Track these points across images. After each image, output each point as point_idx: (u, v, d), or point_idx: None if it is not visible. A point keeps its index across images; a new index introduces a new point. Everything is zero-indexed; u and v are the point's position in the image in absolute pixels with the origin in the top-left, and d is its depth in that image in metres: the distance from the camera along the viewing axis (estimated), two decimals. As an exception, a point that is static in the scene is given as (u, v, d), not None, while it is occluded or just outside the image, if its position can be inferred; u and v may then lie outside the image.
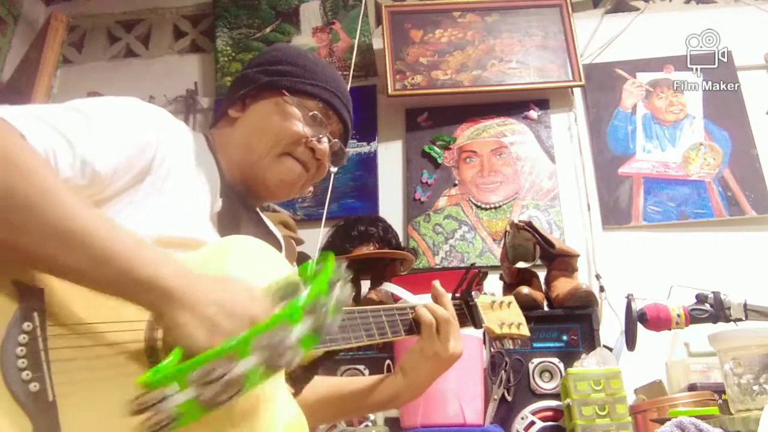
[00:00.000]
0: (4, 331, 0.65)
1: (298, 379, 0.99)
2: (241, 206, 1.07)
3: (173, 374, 0.66)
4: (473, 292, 1.21)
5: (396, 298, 1.84)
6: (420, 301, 1.66)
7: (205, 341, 0.70)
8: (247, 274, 0.90)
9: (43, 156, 0.73)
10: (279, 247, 1.12)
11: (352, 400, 1.15)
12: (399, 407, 1.65)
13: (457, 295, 1.20)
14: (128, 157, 0.85)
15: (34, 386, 0.64)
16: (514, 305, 1.28)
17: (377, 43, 2.62)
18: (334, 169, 2.40)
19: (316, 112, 1.08)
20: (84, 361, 0.69)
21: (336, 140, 1.13)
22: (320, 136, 1.09)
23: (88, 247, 0.67)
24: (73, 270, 0.68)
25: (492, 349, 1.79)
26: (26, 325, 0.66)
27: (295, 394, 0.93)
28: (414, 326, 1.10)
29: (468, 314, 1.19)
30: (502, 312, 1.23)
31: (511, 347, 1.26)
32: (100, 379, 0.70)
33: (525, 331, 1.25)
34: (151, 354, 0.74)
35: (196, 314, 0.70)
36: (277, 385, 0.86)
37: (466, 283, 1.20)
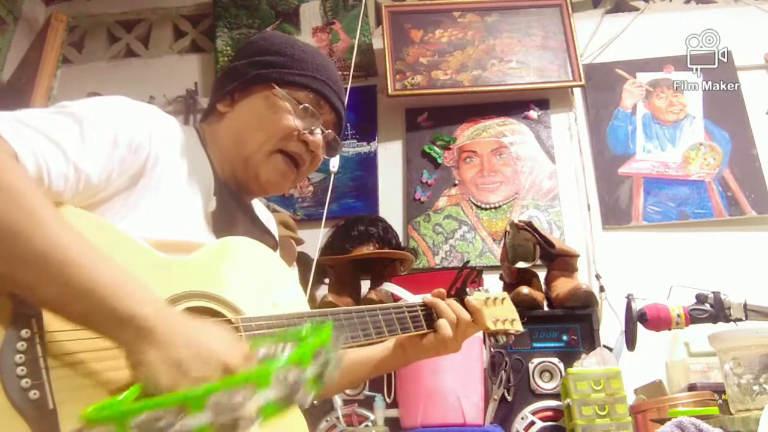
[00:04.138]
0: (3, 339, 0.64)
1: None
2: (235, 204, 1.06)
3: (117, 414, 0.61)
4: (468, 289, 1.22)
5: (396, 298, 1.84)
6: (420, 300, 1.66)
7: (166, 383, 0.67)
8: (243, 276, 0.89)
9: (34, 171, 0.72)
10: (275, 244, 1.12)
11: (357, 370, 1.19)
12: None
13: (452, 293, 1.21)
14: (121, 161, 0.84)
15: (33, 394, 0.64)
16: (508, 301, 1.29)
17: (377, 43, 2.62)
18: (334, 170, 2.41)
19: (307, 103, 1.06)
20: (83, 367, 0.69)
21: (329, 131, 1.11)
22: (312, 127, 1.06)
23: (68, 277, 0.66)
24: (52, 300, 0.67)
25: (492, 349, 1.79)
26: (24, 332, 0.66)
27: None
28: (423, 322, 1.12)
29: None
30: (496, 308, 1.24)
31: (505, 342, 1.28)
32: (100, 385, 0.70)
33: (518, 326, 1.26)
34: None
35: (166, 354, 0.68)
36: None
37: (460, 281, 1.21)
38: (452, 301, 1.16)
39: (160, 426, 0.61)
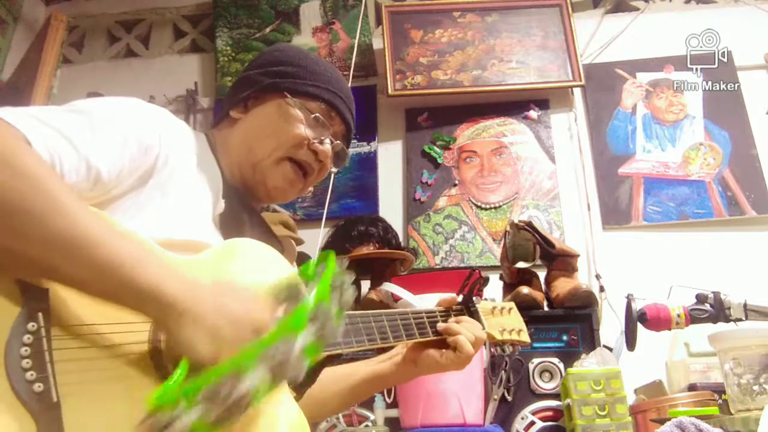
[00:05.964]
0: (9, 332, 0.64)
1: (300, 382, 0.99)
2: (242, 207, 1.07)
3: (181, 393, 0.65)
4: (474, 298, 1.21)
5: (396, 298, 1.84)
6: (420, 301, 1.67)
7: (210, 353, 0.69)
8: (250, 277, 0.90)
9: (48, 160, 0.72)
10: (281, 250, 1.12)
11: (365, 386, 1.18)
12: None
13: (459, 300, 1.21)
14: (132, 160, 0.85)
15: (38, 387, 0.64)
16: (515, 311, 1.29)
17: (377, 43, 2.62)
18: (334, 170, 2.41)
19: (318, 114, 1.08)
20: (88, 361, 0.69)
21: (338, 141, 1.13)
22: (322, 137, 1.09)
23: (91, 256, 0.67)
24: (76, 279, 0.68)
25: (492, 349, 1.79)
26: (31, 326, 0.66)
27: (297, 398, 0.93)
28: (429, 329, 1.12)
29: None
30: (502, 318, 1.24)
31: (511, 352, 1.27)
32: (104, 380, 0.70)
33: (525, 337, 1.26)
34: (155, 355, 0.74)
35: (201, 326, 0.70)
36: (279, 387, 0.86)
37: (467, 288, 1.21)
38: (466, 321, 1.15)
39: (224, 393, 0.65)
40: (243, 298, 0.76)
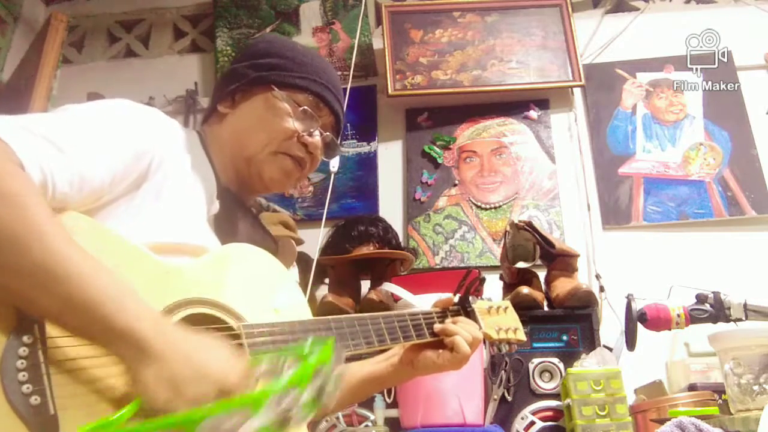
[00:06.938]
0: (5, 344, 0.64)
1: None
2: (237, 207, 1.07)
3: None
4: (471, 297, 1.22)
5: (396, 298, 1.85)
6: (420, 301, 1.67)
7: (163, 401, 0.66)
8: (243, 282, 0.89)
9: (39, 179, 0.72)
10: (275, 249, 1.12)
11: (363, 387, 1.18)
12: None
13: (455, 300, 1.21)
14: (125, 166, 0.85)
15: (35, 399, 0.64)
16: (511, 310, 1.29)
17: (377, 43, 2.62)
18: (334, 170, 2.41)
19: (306, 106, 1.08)
20: (84, 373, 0.69)
21: (327, 133, 1.12)
22: (311, 130, 1.08)
23: (66, 291, 0.66)
24: (50, 312, 0.67)
25: (492, 350, 1.79)
26: (26, 338, 0.66)
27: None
28: (426, 331, 1.12)
29: None
30: (498, 317, 1.24)
31: (508, 351, 1.27)
32: (100, 391, 0.70)
33: (521, 335, 1.26)
34: None
35: (163, 372, 0.67)
36: None
37: (464, 288, 1.21)
38: (462, 321, 1.15)
39: None
40: (217, 355, 0.72)
